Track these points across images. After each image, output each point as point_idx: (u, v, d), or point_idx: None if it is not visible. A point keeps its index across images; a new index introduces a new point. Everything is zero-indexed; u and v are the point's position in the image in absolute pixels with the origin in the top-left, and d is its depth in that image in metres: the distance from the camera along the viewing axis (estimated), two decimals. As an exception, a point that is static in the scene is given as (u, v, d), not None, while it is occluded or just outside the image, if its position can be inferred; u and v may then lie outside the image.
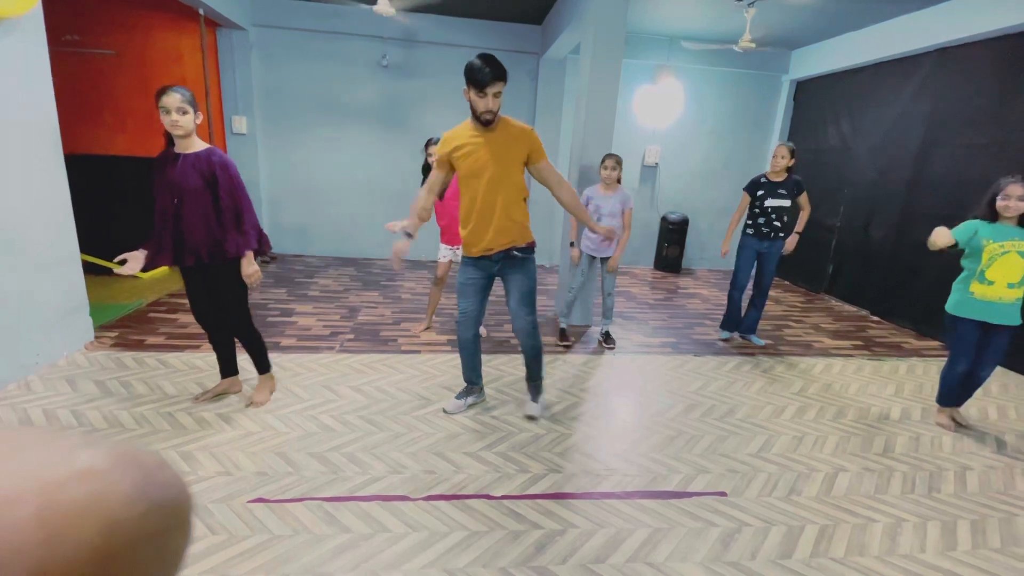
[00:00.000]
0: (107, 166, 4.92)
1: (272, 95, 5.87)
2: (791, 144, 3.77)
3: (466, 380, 2.84)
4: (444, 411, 2.79)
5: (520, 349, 2.75)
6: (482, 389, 2.94)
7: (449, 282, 4.95)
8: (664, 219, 6.62)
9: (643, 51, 6.07)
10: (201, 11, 4.70)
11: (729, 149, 6.70)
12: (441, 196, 3.45)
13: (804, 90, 6.37)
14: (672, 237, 6.57)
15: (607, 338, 3.99)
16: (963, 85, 4.36)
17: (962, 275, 2.77)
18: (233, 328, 2.68)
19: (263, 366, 2.80)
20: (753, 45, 4.43)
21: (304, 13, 5.61)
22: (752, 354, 3.94)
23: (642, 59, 6.13)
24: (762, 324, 4.55)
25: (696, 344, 4.09)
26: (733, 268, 4.07)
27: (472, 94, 2.24)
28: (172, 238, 2.41)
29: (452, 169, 2.47)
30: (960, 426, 2.96)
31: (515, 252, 2.48)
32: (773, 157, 3.79)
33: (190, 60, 5.31)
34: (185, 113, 2.26)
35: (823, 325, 4.79)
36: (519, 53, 6.08)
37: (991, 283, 2.63)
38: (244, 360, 2.93)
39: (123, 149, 5.06)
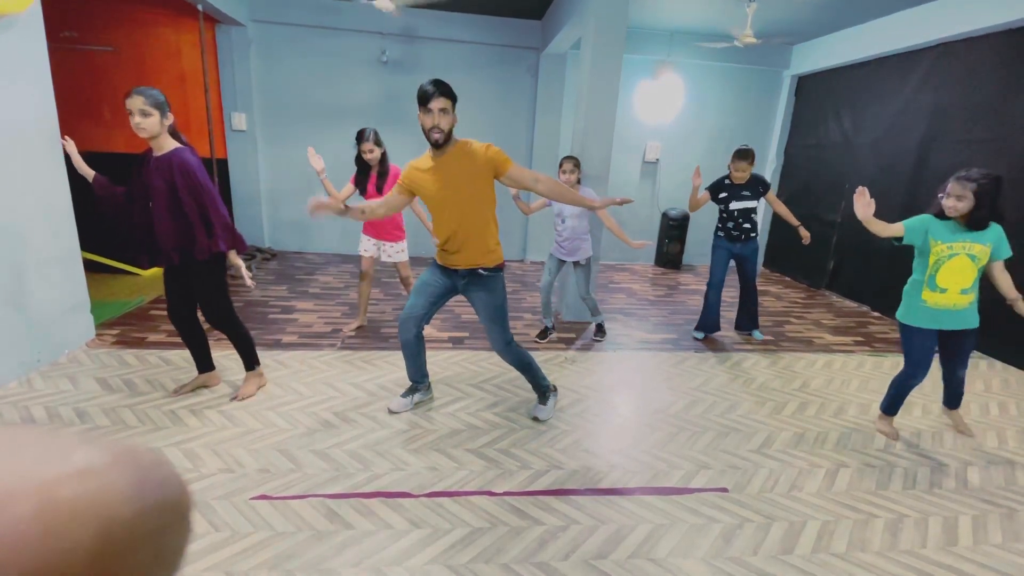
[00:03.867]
0: (106, 163, 4.90)
1: (271, 91, 5.85)
2: (748, 147, 3.72)
3: (411, 379, 2.79)
4: (389, 410, 2.75)
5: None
6: (429, 386, 2.90)
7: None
8: (665, 215, 6.62)
9: (644, 46, 6.05)
10: (200, 7, 4.67)
11: (730, 145, 6.63)
12: (381, 189, 3.44)
13: (805, 85, 6.35)
14: (673, 233, 6.56)
15: (598, 330, 4.02)
16: (965, 80, 4.34)
17: (911, 280, 2.60)
18: (216, 326, 2.68)
19: (250, 363, 2.81)
20: (754, 40, 4.40)
21: (303, 9, 5.58)
22: (753, 350, 3.94)
23: (643, 55, 6.11)
24: (762, 320, 4.55)
25: (697, 341, 4.09)
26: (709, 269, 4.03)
27: (420, 114, 2.23)
28: (149, 240, 2.44)
29: (412, 195, 2.46)
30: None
31: (481, 271, 2.46)
32: (734, 169, 3.71)
33: (189, 56, 5.29)
34: (147, 116, 2.24)
35: (824, 321, 4.79)
36: (519, 48, 6.06)
37: (944, 291, 2.45)
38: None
39: (122, 146, 5.05)
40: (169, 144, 2.36)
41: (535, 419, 2.76)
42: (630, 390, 3.24)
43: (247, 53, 5.61)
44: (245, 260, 5.55)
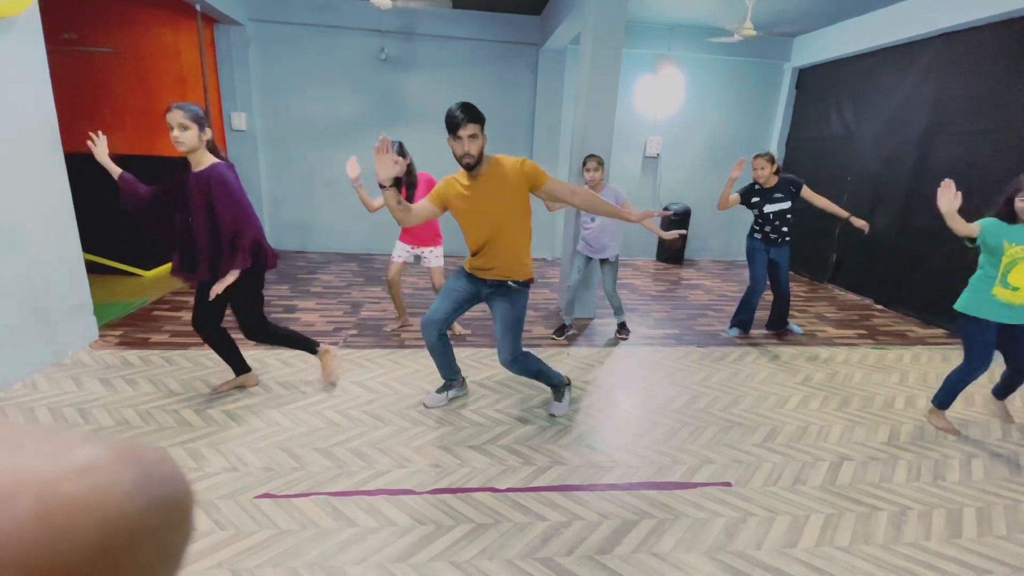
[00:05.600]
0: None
1: (271, 91, 5.85)
2: (768, 152, 3.71)
3: (443, 377, 2.82)
4: (424, 405, 2.79)
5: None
6: (464, 382, 2.93)
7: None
8: (666, 210, 6.60)
9: (643, 40, 6.02)
10: (198, 7, 4.67)
11: (731, 139, 6.66)
12: (411, 200, 3.43)
13: (806, 78, 6.32)
14: (674, 228, 6.55)
15: (621, 328, 3.98)
16: (967, 70, 4.32)
17: (980, 275, 2.56)
18: (251, 338, 2.70)
19: (310, 350, 2.86)
20: (753, 32, 4.39)
21: (301, 7, 5.57)
22: (756, 345, 3.93)
23: (642, 49, 6.08)
24: (765, 315, 4.54)
25: (699, 335, 4.09)
26: (749, 274, 4.01)
27: (449, 139, 2.23)
28: (187, 253, 2.46)
29: (444, 208, 2.43)
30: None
31: (510, 283, 2.46)
32: (754, 170, 3.72)
33: (188, 57, 5.28)
34: (186, 129, 2.25)
35: (827, 314, 4.78)
36: (518, 44, 6.04)
37: (1016, 289, 2.46)
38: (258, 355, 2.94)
39: (122, 147, 5.04)
40: (207, 160, 2.37)
41: (552, 416, 2.76)
42: (633, 385, 3.23)
43: (246, 52, 5.61)
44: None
